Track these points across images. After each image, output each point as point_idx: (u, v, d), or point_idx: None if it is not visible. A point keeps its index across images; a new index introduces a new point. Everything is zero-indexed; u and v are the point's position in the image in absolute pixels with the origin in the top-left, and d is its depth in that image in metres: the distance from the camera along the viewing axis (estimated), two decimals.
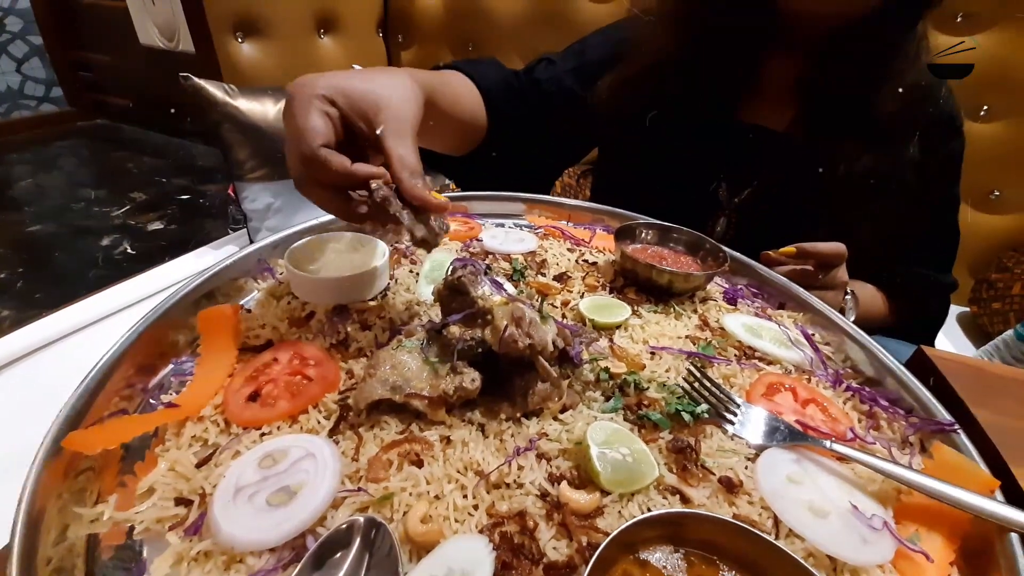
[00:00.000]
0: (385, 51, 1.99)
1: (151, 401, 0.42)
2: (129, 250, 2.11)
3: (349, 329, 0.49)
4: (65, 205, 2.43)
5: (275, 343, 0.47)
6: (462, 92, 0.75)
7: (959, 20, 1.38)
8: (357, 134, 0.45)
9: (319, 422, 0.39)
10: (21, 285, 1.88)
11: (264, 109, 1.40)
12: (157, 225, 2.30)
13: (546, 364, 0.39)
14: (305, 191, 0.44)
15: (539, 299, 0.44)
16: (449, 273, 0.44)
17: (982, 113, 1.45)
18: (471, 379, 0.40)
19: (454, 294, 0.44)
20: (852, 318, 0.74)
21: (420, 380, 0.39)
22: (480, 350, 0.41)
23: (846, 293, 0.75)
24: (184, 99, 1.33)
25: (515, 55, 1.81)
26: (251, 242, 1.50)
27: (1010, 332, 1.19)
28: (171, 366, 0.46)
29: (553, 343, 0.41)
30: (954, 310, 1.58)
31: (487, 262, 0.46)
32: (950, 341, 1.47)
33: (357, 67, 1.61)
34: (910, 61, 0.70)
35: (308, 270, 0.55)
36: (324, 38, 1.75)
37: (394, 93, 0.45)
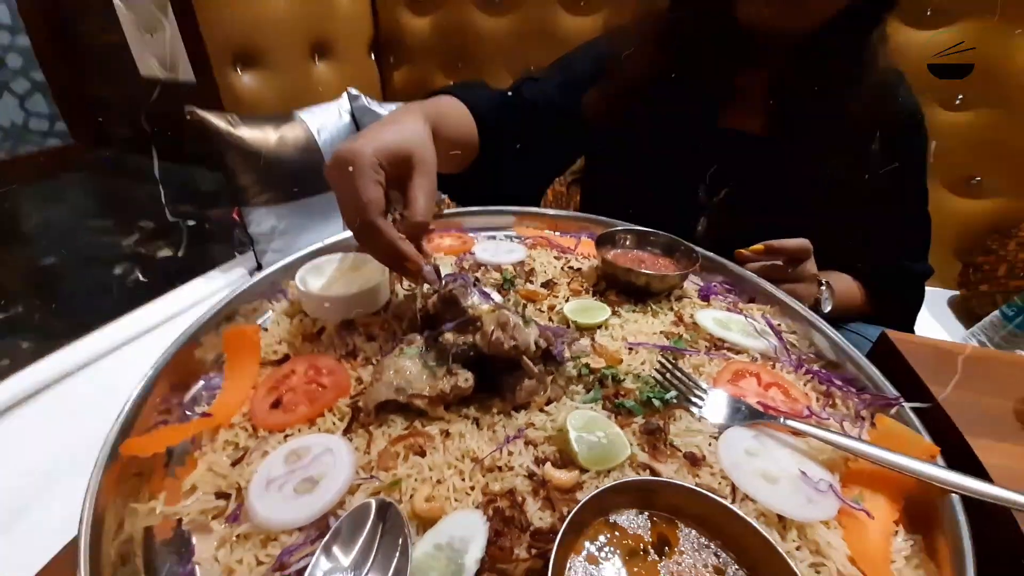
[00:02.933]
0: (378, 72, 2.07)
1: (187, 413, 0.48)
2: (141, 277, 2.18)
3: (356, 341, 0.55)
4: (75, 237, 2.51)
5: (292, 357, 0.52)
6: (458, 117, 0.81)
7: (928, 14, 1.44)
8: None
9: (334, 423, 0.45)
10: (39, 318, 1.95)
11: (266, 136, 1.47)
12: (166, 252, 2.38)
13: (530, 363, 0.45)
14: (361, 243, 0.52)
15: (523, 305, 0.50)
16: (442, 286, 0.49)
17: (957, 102, 1.49)
18: (465, 379, 0.45)
19: (447, 305, 0.49)
20: (828, 308, 0.78)
21: (420, 382, 0.45)
22: (472, 353, 0.47)
23: (821, 284, 0.80)
24: (186, 128, 1.40)
25: (504, 71, 1.88)
26: (258, 264, 1.59)
27: (996, 313, 1.24)
28: (201, 382, 0.52)
29: (536, 343, 0.47)
30: (945, 294, 1.63)
31: (477, 274, 0.51)
32: (941, 325, 1.51)
33: (353, 90, 1.68)
34: (871, 63, 0.75)
35: (316, 289, 0.61)
36: (319, 63, 1.83)
37: (421, 142, 0.52)
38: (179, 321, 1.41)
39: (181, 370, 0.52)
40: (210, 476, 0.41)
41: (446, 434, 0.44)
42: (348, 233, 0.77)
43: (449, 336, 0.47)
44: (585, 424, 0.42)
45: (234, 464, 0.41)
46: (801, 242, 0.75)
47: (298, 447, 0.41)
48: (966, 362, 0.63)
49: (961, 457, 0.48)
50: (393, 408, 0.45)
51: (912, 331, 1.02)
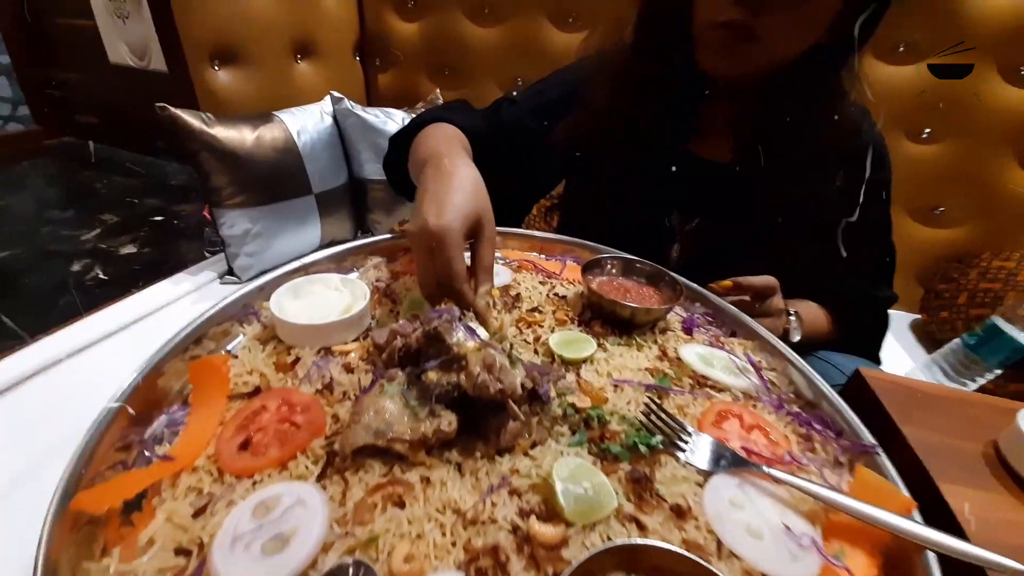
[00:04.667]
0: (363, 75, 2.02)
1: (146, 452, 0.45)
2: (101, 275, 2.07)
3: (334, 372, 0.52)
4: (33, 228, 2.37)
5: (263, 390, 0.50)
6: (465, 143, 0.80)
7: (901, 50, 1.50)
8: None
9: (307, 467, 0.42)
10: None
11: (242, 137, 1.42)
12: (130, 248, 2.27)
13: (515, 407, 0.44)
14: (431, 302, 0.58)
15: (510, 345, 0.48)
16: (427, 322, 0.48)
17: (923, 136, 1.56)
18: (448, 422, 0.44)
19: (431, 341, 0.48)
20: (797, 338, 0.80)
21: (401, 424, 0.43)
22: (456, 394, 0.45)
23: (789, 314, 0.81)
24: (158, 120, 1.33)
25: (490, 80, 1.87)
26: (229, 267, 1.52)
27: (957, 340, 1.29)
28: (164, 416, 0.48)
29: (522, 385, 0.45)
30: (908, 317, 1.70)
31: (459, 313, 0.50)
32: (904, 348, 1.58)
33: (336, 93, 1.64)
34: (838, 98, 0.77)
35: (293, 313, 0.58)
36: (301, 63, 1.78)
37: (487, 203, 0.59)
38: (142, 326, 1.34)
39: (143, 400, 0.49)
40: (170, 528, 0.38)
41: (427, 482, 0.42)
42: (330, 251, 0.75)
43: (432, 375, 0.45)
44: (571, 474, 0.41)
45: (196, 514, 0.38)
46: (767, 280, 0.76)
47: (267, 498, 0.38)
48: (937, 403, 0.65)
49: (931, 502, 0.49)
50: (371, 452, 0.43)
51: (878, 357, 1.06)
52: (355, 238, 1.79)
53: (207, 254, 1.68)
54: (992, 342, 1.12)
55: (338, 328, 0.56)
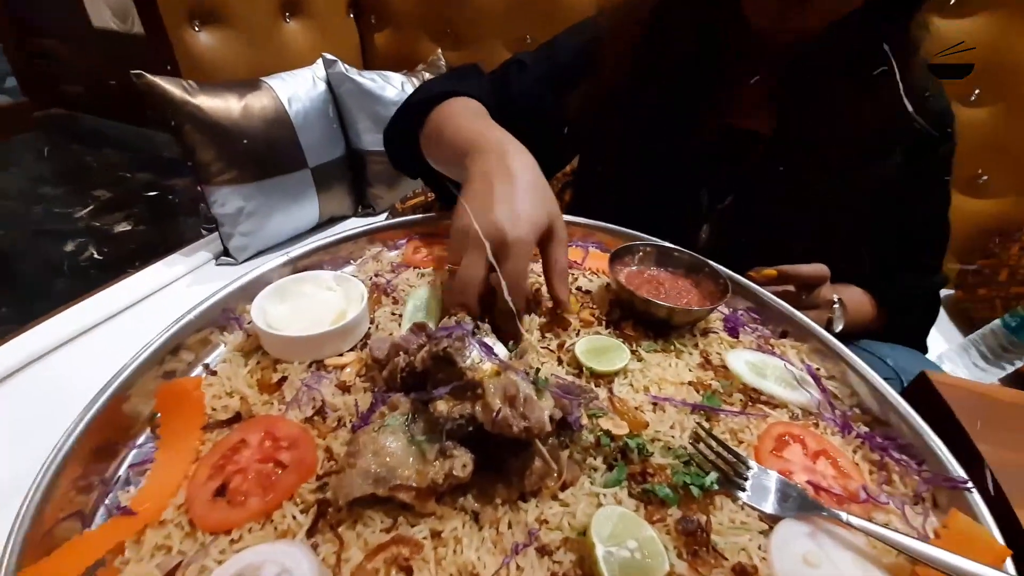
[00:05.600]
0: (357, 34, 1.87)
1: (107, 504, 0.38)
2: (96, 255, 2.00)
3: (327, 394, 0.45)
4: (24, 207, 2.28)
5: (244, 417, 0.42)
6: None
7: (952, 2, 1.34)
8: None
9: (295, 518, 0.36)
10: None
11: (228, 106, 1.31)
12: (124, 226, 2.18)
13: (543, 449, 0.36)
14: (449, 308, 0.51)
15: (535, 369, 0.40)
16: (433, 341, 0.40)
17: (972, 98, 1.42)
18: (462, 464, 0.36)
19: (440, 364, 0.40)
20: (840, 328, 0.72)
21: (406, 467, 0.36)
22: (471, 428, 0.37)
23: (834, 303, 0.73)
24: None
25: (496, 40, 1.72)
26: (224, 248, 1.44)
27: (997, 321, 1.20)
28: (129, 451, 0.41)
29: (551, 417, 0.38)
30: (941, 294, 1.60)
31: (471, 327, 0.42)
32: (936, 328, 1.49)
33: (328, 55, 1.51)
34: (901, 59, 0.65)
35: (279, 320, 0.50)
36: (290, 22, 1.63)
37: (555, 206, 0.52)
38: (135, 312, 1.28)
39: (107, 428, 0.42)
40: None
41: (438, 537, 0.35)
42: (322, 240, 0.66)
43: (442, 407, 0.38)
44: (613, 531, 0.34)
45: None
46: (817, 268, 0.67)
47: (247, 566, 0.31)
48: (1016, 414, 0.57)
49: (1005, 525, 0.42)
50: (371, 500, 0.36)
51: (925, 345, 0.98)
52: (356, 214, 1.70)
53: (204, 231, 1.59)
54: None
55: (331, 338, 0.49)
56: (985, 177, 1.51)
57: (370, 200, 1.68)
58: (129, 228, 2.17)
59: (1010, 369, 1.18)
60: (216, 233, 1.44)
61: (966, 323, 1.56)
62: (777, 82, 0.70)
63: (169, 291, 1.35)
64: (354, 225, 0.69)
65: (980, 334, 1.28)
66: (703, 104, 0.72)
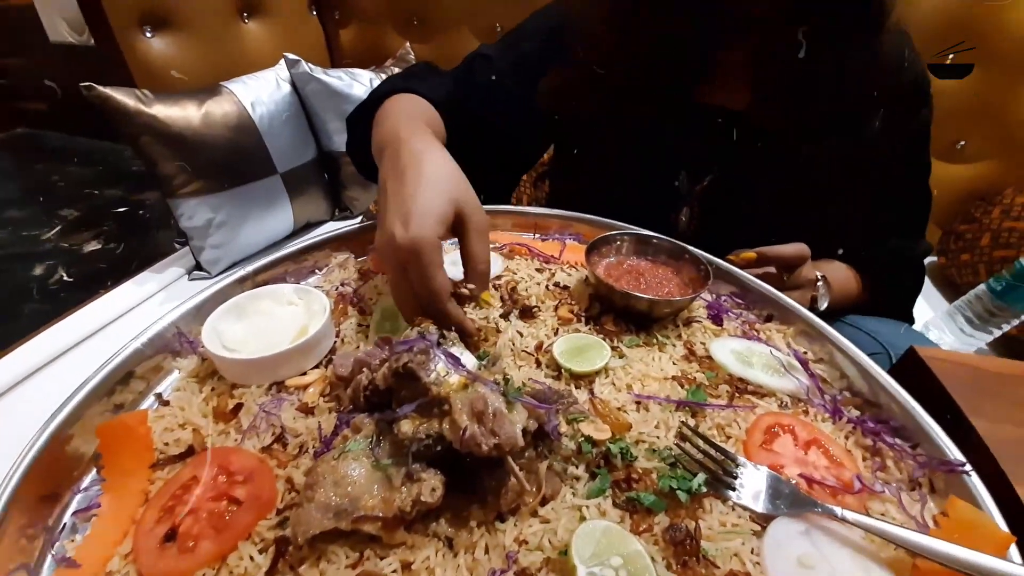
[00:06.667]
0: (322, 31, 1.81)
1: (53, 553, 0.35)
2: (66, 277, 1.93)
3: (286, 420, 0.42)
4: None
5: (197, 450, 0.39)
6: (435, 120, 0.66)
7: None
8: None
9: (253, 559, 0.33)
10: None
11: (186, 115, 1.25)
12: (94, 245, 2.11)
13: (515, 468, 0.34)
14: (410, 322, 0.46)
15: (504, 379, 0.38)
16: (393, 356, 0.37)
17: (948, 63, 1.41)
18: (431, 488, 0.33)
19: (402, 380, 0.37)
20: (824, 305, 0.70)
21: (371, 496, 0.33)
22: (439, 448, 0.35)
23: (818, 280, 0.71)
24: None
25: (465, 28, 1.67)
26: (196, 262, 1.39)
27: (982, 286, 1.20)
28: (76, 495, 0.38)
29: (524, 431, 0.35)
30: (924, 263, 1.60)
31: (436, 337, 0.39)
32: (921, 295, 1.49)
33: (291, 55, 1.45)
34: (875, 22, 0.63)
35: (234, 337, 0.47)
36: (249, 23, 1.57)
37: (466, 192, 0.48)
38: (105, 335, 1.23)
39: (49, 472, 0.38)
40: None
41: (408, 569, 0.32)
42: (286, 249, 0.63)
43: (406, 427, 0.35)
44: (597, 549, 0.32)
45: None
46: (798, 248, 0.65)
47: None
48: (1008, 385, 0.56)
49: (1005, 501, 0.40)
50: (334, 534, 0.33)
51: (911, 316, 0.97)
52: (333, 218, 1.66)
53: (177, 246, 1.54)
54: (1021, 287, 1.03)
55: (291, 357, 0.45)
56: (963, 143, 1.51)
57: (346, 203, 1.64)
58: (99, 247, 2.09)
59: (997, 333, 1.18)
60: (187, 249, 1.39)
61: (951, 289, 1.56)
62: (752, 54, 0.68)
63: (141, 311, 1.31)
64: (328, 230, 0.66)
65: (965, 300, 1.28)
66: (677, 82, 0.69)
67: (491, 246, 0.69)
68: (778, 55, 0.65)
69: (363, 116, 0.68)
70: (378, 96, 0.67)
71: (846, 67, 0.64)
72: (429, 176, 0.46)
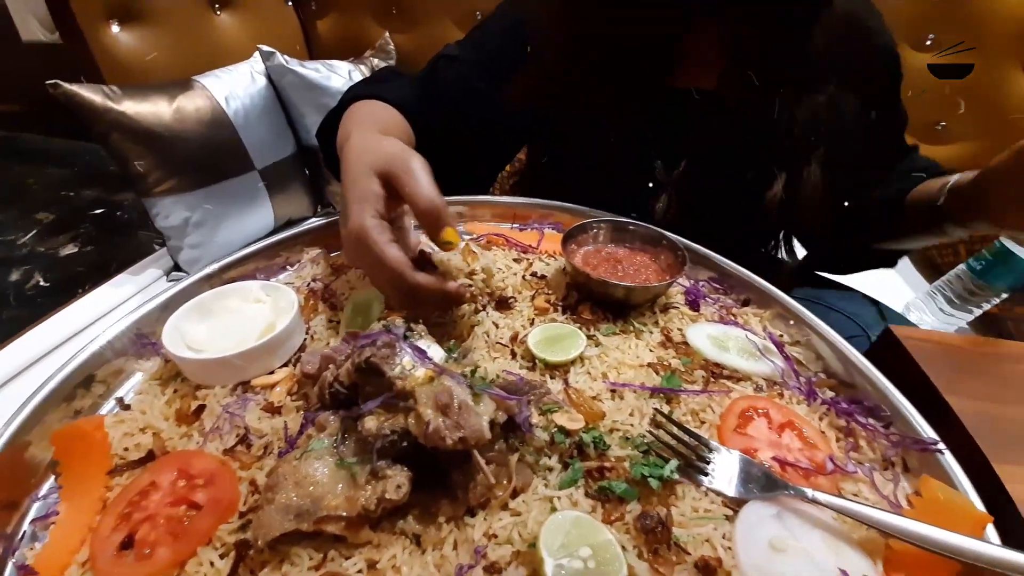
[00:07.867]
0: (298, 22, 1.76)
1: (14, 561, 0.33)
2: (42, 282, 1.88)
3: (251, 420, 0.40)
4: None
5: (157, 454, 0.38)
6: (396, 123, 0.64)
7: None
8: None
9: (213, 565, 0.32)
10: None
11: (157, 111, 1.21)
12: (71, 249, 2.06)
13: (482, 462, 0.33)
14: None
15: (471, 369, 0.37)
16: (356, 352, 0.36)
17: (927, 43, 1.41)
18: (396, 485, 0.33)
19: (366, 376, 0.36)
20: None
21: (334, 495, 0.32)
22: (405, 444, 0.34)
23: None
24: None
25: (445, 17, 1.64)
26: (175, 263, 1.36)
27: (962, 266, 1.21)
28: (34, 502, 0.37)
29: (492, 423, 0.34)
30: None
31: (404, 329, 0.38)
32: (901, 277, 1.50)
33: (265, 47, 1.42)
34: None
35: (198, 336, 0.46)
36: (221, 14, 1.52)
37: (390, 154, 0.45)
38: (84, 338, 1.21)
39: (6, 479, 0.37)
40: None
41: (373, 569, 0.32)
42: (255, 246, 0.61)
43: (371, 423, 0.34)
44: (565, 540, 0.31)
45: None
46: None
47: None
48: (983, 362, 0.56)
49: (985, 480, 0.40)
50: (297, 536, 0.32)
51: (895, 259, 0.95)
52: (316, 214, 1.63)
53: (156, 246, 1.51)
54: (1001, 266, 1.03)
55: (257, 356, 0.44)
56: (943, 124, 1.51)
57: (329, 198, 1.61)
58: (76, 250, 2.05)
59: (977, 312, 1.19)
60: (164, 249, 1.36)
61: (931, 270, 1.58)
62: (720, 33, 0.67)
63: (118, 314, 1.28)
64: (308, 226, 0.64)
65: (946, 280, 1.29)
66: (646, 69, 0.68)
67: (468, 237, 0.69)
68: (746, 32, 0.64)
69: (330, 126, 0.67)
70: (342, 104, 0.66)
71: (816, 36, 0.64)
72: (351, 163, 0.46)
